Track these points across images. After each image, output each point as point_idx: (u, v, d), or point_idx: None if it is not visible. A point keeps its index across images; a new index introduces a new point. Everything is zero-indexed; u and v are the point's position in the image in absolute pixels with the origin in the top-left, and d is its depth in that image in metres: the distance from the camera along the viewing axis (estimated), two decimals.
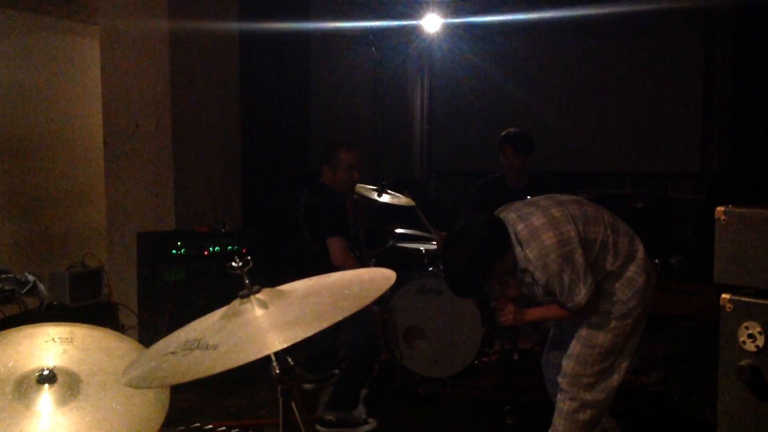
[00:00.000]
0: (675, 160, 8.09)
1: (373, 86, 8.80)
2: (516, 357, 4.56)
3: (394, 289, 5.14)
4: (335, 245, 4.47)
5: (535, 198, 3.45)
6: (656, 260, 7.00)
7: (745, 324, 1.79)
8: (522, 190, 5.18)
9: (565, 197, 3.43)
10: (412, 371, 5.13)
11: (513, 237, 3.23)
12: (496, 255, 3.24)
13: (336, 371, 4.92)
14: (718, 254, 1.86)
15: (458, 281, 3.36)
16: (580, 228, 3.22)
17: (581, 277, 3.15)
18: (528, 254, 3.19)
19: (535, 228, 3.20)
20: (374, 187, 5.45)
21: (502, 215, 3.35)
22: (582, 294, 3.16)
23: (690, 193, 8.05)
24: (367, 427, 4.39)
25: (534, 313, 3.48)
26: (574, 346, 3.37)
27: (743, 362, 1.79)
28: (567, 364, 3.38)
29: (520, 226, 3.24)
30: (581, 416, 3.36)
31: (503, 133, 5.36)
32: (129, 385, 1.68)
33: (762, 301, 1.77)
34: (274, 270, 4.41)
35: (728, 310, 1.82)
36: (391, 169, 8.73)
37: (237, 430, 4.16)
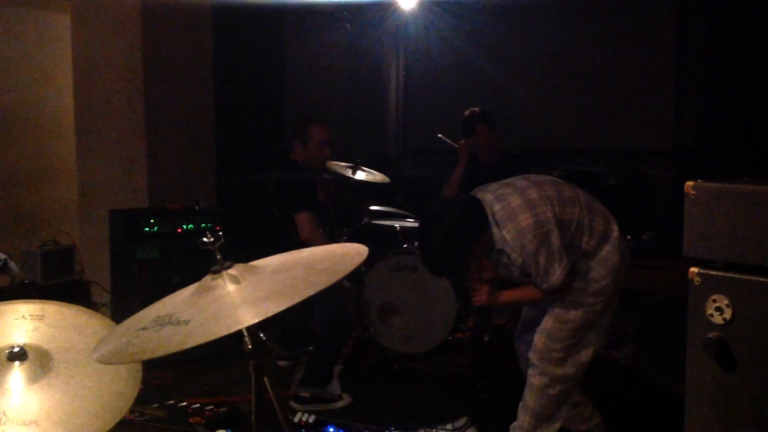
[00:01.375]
0: (648, 138, 8.17)
1: (348, 63, 8.77)
2: (486, 338, 4.60)
3: (368, 266, 5.16)
4: (303, 220, 4.46)
5: (512, 179, 3.46)
6: (628, 236, 7.09)
7: (712, 297, 1.81)
8: (495, 166, 5.21)
9: (541, 178, 3.44)
10: (386, 347, 5.16)
11: (490, 217, 3.25)
12: (474, 235, 3.26)
13: (310, 348, 4.93)
14: (687, 228, 1.87)
15: (435, 260, 3.38)
16: (556, 209, 3.24)
17: (556, 258, 3.18)
18: (505, 235, 3.20)
19: (512, 209, 3.22)
20: (349, 165, 5.44)
21: (479, 196, 3.36)
22: (557, 275, 3.19)
23: (663, 170, 8.13)
24: (341, 403, 4.41)
25: (508, 295, 3.50)
26: (546, 321, 3.40)
27: (711, 335, 1.81)
28: (538, 338, 3.41)
29: (497, 207, 3.25)
30: (551, 391, 3.39)
31: (468, 114, 5.35)
32: (100, 361, 1.67)
33: (730, 275, 1.79)
34: (248, 247, 4.41)
35: (696, 283, 1.84)
36: (367, 146, 8.71)
37: (212, 407, 4.16)
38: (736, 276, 1.78)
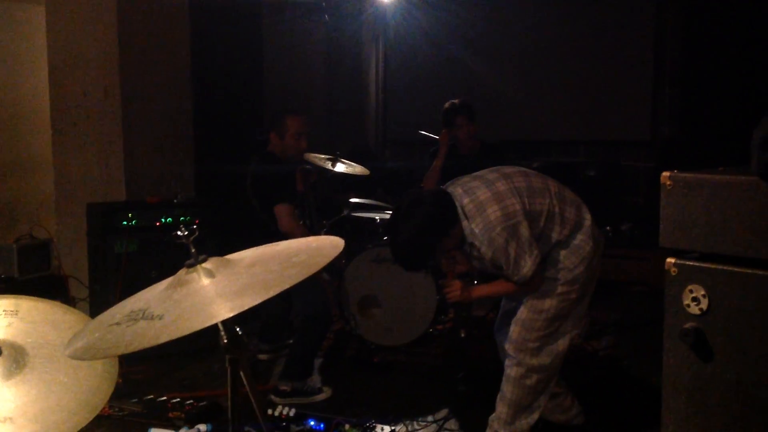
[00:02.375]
0: (626, 129, 8.20)
1: (327, 54, 8.73)
2: (463, 334, 4.57)
3: (348, 258, 5.14)
4: (283, 212, 4.44)
5: (482, 171, 3.46)
6: (608, 227, 7.13)
7: (689, 287, 1.81)
8: (474, 158, 5.22)
9: (511, 169, 3.44)
10: (366, 340, 5.15)
11: (460, 211, 3.25)
12: (443, 229, 3.26)
13: (290, 341, 4.92)
14: (664, 219, 1.87)
15: (405, 255, 3.37)
16: (525, 200, 3.24)
17: (526, 250, 3.18)
18: (474, 228, 3.21)
19: (481, 202, 3.22)
20: (328, 157, 5.42)
21: (448, 189, 3.36)
22: (528, 266, 3.19)
23: (641, 161, 8.16)
24: (321, 396, 4.40)
25: (481, 290, 3.51)
26: (522, 311, 3.41)
27: (687, 325, 1.81)
28: (513, 329, 3.42)
29: (466, 200, 3.26)
30: (528, 381, 3.40)
31: (447, 106, 5.36)
32: (72, 356, 1.65)
33: (706, 265, 1.80)
34: (227, 239, 4.39)
35: (673, 273, 1.84)
36: (346, 138, 8.69)
37: (191, 401, 4.14)
38: (712, 266, 1.79)
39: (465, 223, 3.23)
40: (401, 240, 3.29)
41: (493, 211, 3.18)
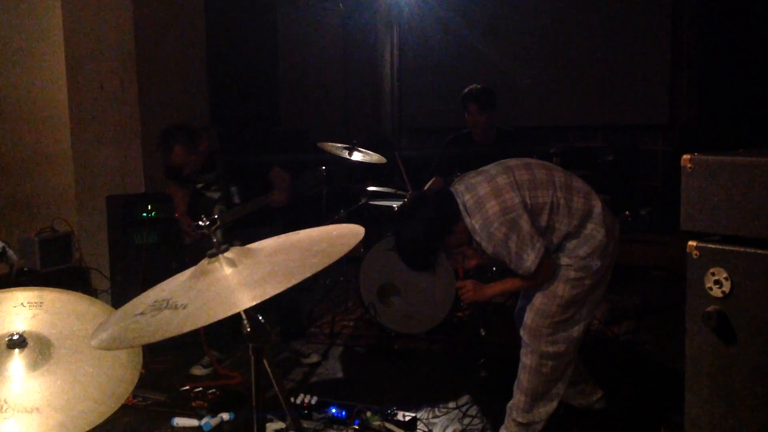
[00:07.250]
0: (644, 112, 8.14)
1: (342, 42, 8.73)
2: (483, 333, 4.54)
3: (367, 246, 5.15)
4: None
5: (487, 166, 3.46)
6: (627, 212, 7.09)
7: (711, 270, 1.80)
8: (490, 146, 5.19)
9: (514, 162, 3.42)
10: (387, 328, 5.16)
11: (462, 208, 3.26)
12: (445, 228, 3.31)
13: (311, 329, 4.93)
14: (684, 202, 1.86)
15: (409, 255, 3.44)
16: (526, 194, 3.23)
17: (528, 243, 3.16)
18: (474, 224, 3.22)
19: (480, 198, 3.23)
20: (345, 146, 5.42)
21: (453, 187, 3.39)
22: (531, 260, 3.17)
23: (659, 145, 8.12)
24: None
25: (494, 288, 3.51)
26: (536, 298, 3.38)
27: (710, 308, 1.81)
28: (528, 315, 3.40)
29: (467, 197, 3.27)
30: (544, 369, 3.39)
31: (465, 90, 5.33)
32: (98, 347, 1.66)
33: (727, 247, 1.79)
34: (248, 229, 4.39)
35: (695, 257, 1.83)
36: (362, 126, 8.69)
37: (213, 390, 4.17)
38: (734, 249, 1.78)
39: (468, 219, 3.24)
40: (404, 241, 3.41)
41: (491, 206, 3.18)
